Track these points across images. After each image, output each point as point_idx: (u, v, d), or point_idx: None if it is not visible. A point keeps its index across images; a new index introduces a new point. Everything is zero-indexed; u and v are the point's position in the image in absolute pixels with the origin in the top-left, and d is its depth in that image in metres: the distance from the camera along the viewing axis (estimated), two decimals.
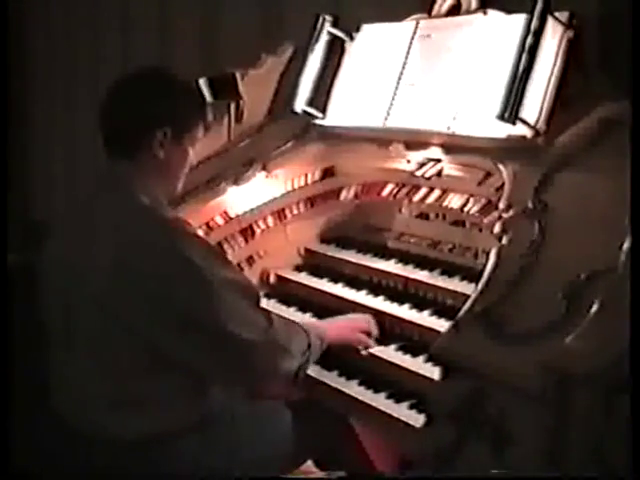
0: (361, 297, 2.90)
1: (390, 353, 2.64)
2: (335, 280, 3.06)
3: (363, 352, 2.67)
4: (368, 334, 2.70)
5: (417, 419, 2.37)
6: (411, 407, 2.45)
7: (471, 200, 2.72)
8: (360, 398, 2.56)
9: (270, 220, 3.28)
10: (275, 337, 2.43)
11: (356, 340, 2.69)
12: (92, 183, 2.67)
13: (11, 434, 3.18)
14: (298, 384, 2.57)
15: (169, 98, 2.50)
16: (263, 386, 2.58)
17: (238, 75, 3.37)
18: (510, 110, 2.47)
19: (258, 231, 3.27)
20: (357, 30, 3.26)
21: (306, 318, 2.92)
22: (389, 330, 2.75)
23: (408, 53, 3.00)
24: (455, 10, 2.93)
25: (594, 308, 1.94)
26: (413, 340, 2.67)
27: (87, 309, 2.38)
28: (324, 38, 3.28)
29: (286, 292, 3.18)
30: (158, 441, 2.40)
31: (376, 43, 3.16)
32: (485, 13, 2.78)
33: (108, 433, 2.40)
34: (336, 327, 2.73)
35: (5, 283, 4.37)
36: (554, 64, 2.53)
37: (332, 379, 2.67)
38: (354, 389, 2.60)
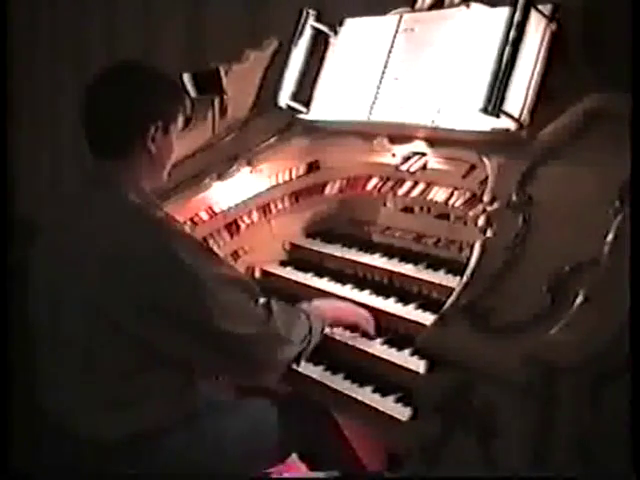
0: (346, 291, 2.90)
1: (375, 347, 2.64)
2: (320, 274, 3.06)
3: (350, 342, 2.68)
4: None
5: (403, 412, 2.38)
6: (397, 401, 2.45)
7: (455, 193, 2.72)
8: (346, 392, 2.56)
9: (255, 215, 3.28)
10: (274, 327, 2.44)
11: (357, 322, 2.71)
12: (79, 181, 2.66)
13: (6, 434, 3.17)
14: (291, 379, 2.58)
15: (156, 91, 2.49)
16: (263, 376, 2.57)
17: (222, 70, 3.36)
18: (494, 103, 2.48)
19: (243, 226, 3.26)
20: (341, 24, 3.26)
21: None
22: (375, 324, 2.75)
23: (392, 47, 3.00)
24: (438, 3, 2.93)
25: (579, 300, 1.94)
26: (398, 334, 2.67)
27: (76, 308, 2.36)
28: (308, 32, 3.28)
29: (271, 287, 3.16)
30: (145, 439, 2.39)
31: (360, 37, 3.16)
32: (468, 6, 2.78)
33: (96, 432, 2.38)
34: (337, 307, 2.75)
35: None
36: (537, 57, 2.54)
37: (318, 373, 2.67)
38: (340, 383, 2.60)
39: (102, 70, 2.52)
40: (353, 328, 2.74)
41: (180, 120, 2.55)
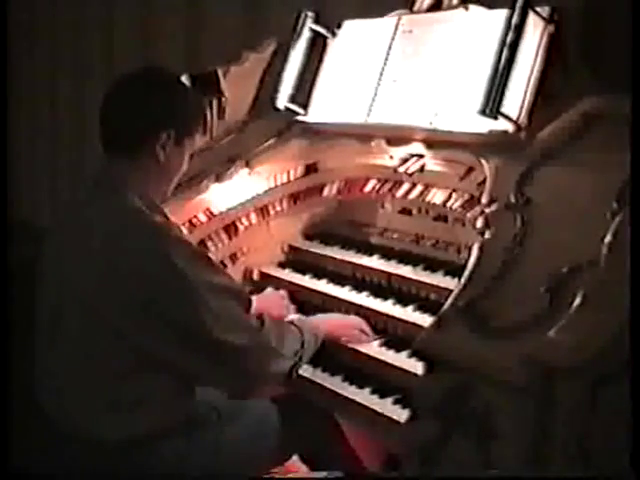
0: (345, 293, 2.90)
1: (374, 348, 2.64)
2: (318, 276, 3.06)
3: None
4: (363, 332, 2.71)
5: (401, 414, 2.38)
6: (395, 402, 2.45)
7: (454, 195, 2.72)
8: (344, 393, 2.56)
9: (253, 217, 3.27)
10: (266, 340, 2.43)
11: (352, 336, 2.70)
12: (80, 183, 2.65)
13: (6, 434, 3.17)
14: (290, 382, 2.57)
15: (175, 100, 2.49)
16: (254, 388, 2.57)
17: (220, 72, 3.36)
18: (491, 105, 2.48)
19: (241, 228, 3.26)
20: (339, 26, 3.26)
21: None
22: (373, 325, 2.75)
23: (390, 49, 3.00)
24: (437, 6, 2.93)
25: (577, 301, 1.94)
26: (397, 335, 2.67)
27: (74, 310, 2.37)
28: (306, 34, 3.28)
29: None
30: (145, 441, 2.39)
31: (358, 39, 3.16)
32: (466, 9, 2.79)
33: (94, 434, 2.38)
34: (330, 323, 2.73)
35: None
36: (535, 59, 2.54)
37: (316, 375, 2.66)
38: (338, 385, 2.60)
39: (132, 69, 2.53)
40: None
41: (197, 137, 2.55)
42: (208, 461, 2.47)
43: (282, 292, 2.95)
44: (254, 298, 2.73)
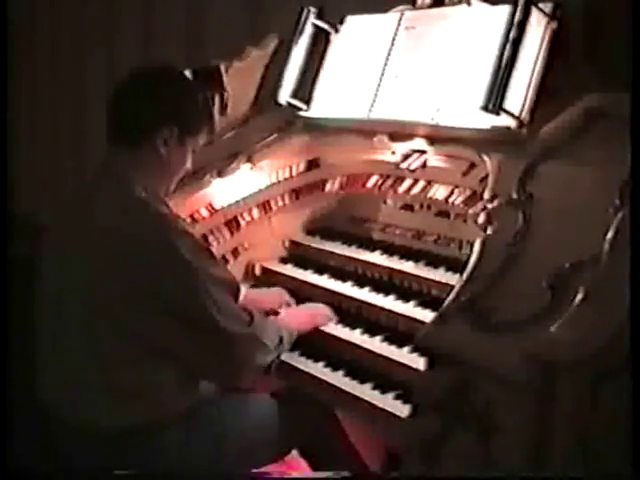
0: (346, 288, 2.91)
1: (376, 344, 2.64)
2: (320, 272, 3.06)
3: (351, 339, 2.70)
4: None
5: (402, 409, 2.38)
6: (397, 397, 2.45)
7: (456, 191, 2.72)
8: (346, 389, 2.57)
9: (255, 212, 3.27)
10: (255, 331, 2.49)
11: (317, 324, 2.78)
12: (82, 177, 2.67)
13: (6, 426, 3.18)
14: (273, 375, 2.62)
15: (181, 99, 2.53)
16: (240, 378, 2.59)
17: (222, 67, 3.36)
18: (494, 101, 2.48)
19: (243, 223, 3.26)
20: (342, 22, 3.26)
21: None
22: (374, 321, 2.76)
23: (392, 45, 3.00)
24: (439, 1, 2.93)
25: (579, 297, 1.95)
26: (398, 331, 2.67)
27: (77, 299, 2.39)
28: (308, 30, 3.27)
29: (271, 284, 3.17)
30: (145, 432, 2.41)
31: (360, 35, 3.16)
32: (469, 4, 2.78)
33: (94, 423, 2.41)
34: (298, 317, 2.82)
35: None
36: (538, 55, 2.54)
37: (318, 370, 2.67)
38: (340, 380, 2.60)
39: (134, 66, 2.57)
40: None
41: (202, 137, 2.58)
42: (208, 453, 2.48)
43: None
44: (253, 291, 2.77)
